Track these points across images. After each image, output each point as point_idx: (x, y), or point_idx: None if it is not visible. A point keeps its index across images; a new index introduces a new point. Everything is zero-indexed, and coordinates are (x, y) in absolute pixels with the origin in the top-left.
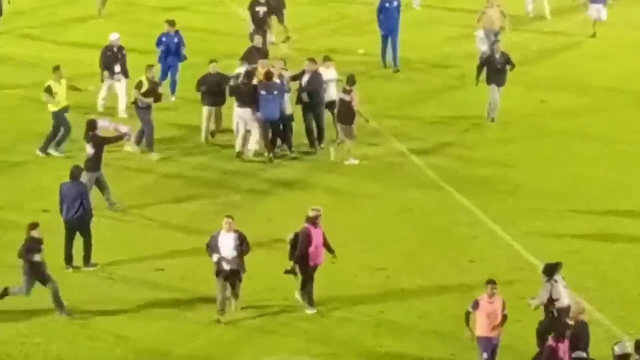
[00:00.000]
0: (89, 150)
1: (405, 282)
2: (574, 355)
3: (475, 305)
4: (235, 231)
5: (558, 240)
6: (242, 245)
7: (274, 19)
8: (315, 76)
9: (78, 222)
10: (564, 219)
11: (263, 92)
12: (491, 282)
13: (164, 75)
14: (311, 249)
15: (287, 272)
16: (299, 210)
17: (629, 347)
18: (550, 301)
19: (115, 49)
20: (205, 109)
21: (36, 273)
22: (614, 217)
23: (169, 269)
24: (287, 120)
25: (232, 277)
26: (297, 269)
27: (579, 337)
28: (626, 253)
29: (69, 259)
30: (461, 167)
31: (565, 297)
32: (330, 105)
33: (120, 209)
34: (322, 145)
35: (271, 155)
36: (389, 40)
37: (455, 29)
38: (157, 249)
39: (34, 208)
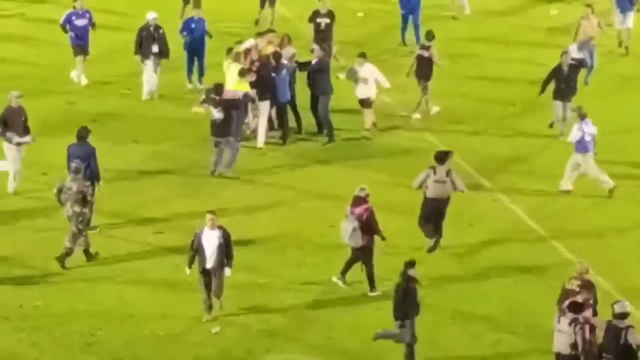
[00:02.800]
0: (217, 114)
1: (404, 246)
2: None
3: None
4: (219, 228)
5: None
6: (226, 243)
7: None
8: (323, 62)
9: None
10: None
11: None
12: None
13: (190, 64)
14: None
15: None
16: None
17: (628, 306)
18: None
19: (152, 29)
20: None
21: None
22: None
23: (168, 232)
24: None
25: (215, 274)
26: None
27: (587, 297)
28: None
29: None
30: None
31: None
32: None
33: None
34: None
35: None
36: (410, 20)
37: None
38: (158, 212)
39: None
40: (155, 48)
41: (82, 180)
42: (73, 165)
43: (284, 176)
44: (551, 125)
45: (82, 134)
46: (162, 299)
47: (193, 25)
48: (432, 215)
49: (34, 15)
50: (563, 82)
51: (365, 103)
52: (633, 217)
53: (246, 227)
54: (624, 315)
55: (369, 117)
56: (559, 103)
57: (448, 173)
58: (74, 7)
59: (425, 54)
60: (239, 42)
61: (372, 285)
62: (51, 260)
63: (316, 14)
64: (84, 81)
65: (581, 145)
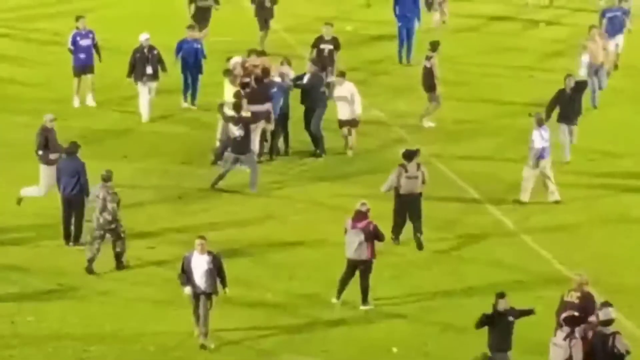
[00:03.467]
0: (238, 132)
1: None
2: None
3: None
4: (209, 253)
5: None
6: (217, 267)
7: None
8: (316, 77)
9: (75, 199)
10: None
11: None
12: None
13: (185, 84)
14: None
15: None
16: None
17: (612, 313)
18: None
19: (145, 50)
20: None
21: None
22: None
23: (160, 247)
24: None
25: (204, 300)
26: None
27: (587, 309)
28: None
29: (67, 236)
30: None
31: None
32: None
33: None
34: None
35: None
36: (405, 33)
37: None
38: (149, 227)
39: None
40: (149, 70)
41: (109, 187)
42: (104, 173)
43: (275, 191)
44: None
45: (72, 150)
46: (153, 314)
47: (186, 46)
48: (408, 212)
49: (24, 34)
50: (568, 105)
51: (350, 123)
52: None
53: (237, 240)
54: (609, 322)
55: (353, 137)
56: (564, 127)
57: (418, 167)
58: (77, 28)
59: (427, 64)
60: (229, 59)
61: (365, 298)
62: (43, 275)
63: (320, 39)
64: (90, 102)
65: (541, 152)
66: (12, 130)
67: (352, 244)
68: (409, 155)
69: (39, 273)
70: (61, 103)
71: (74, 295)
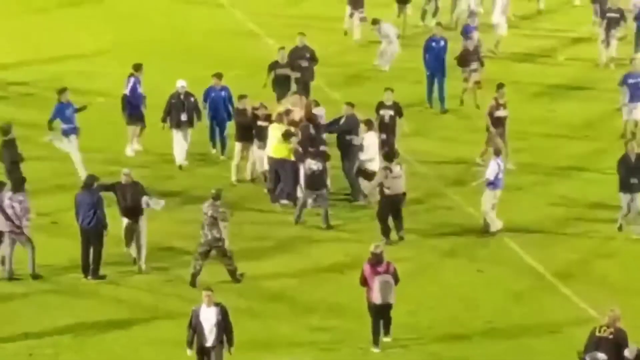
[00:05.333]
0: (316, 166)
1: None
2: None
3: None
4: (217, 304)
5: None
6: (224, 319)
7: None
8: (352, 119)
9: (92, 232)
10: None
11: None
12: None
13: (212, 133)
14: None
15: None
16: None
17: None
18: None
19: (181, 97)
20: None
21: None
22: None
23: (178, 280)
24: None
25: (214, 353)
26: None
27: (621, 345)
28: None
29: (85, 269)
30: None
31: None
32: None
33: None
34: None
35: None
36: (435, 80)
37: None
38: (167, 260)
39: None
40: (184, 117)
41: (218, 205)
42: (213, 191)
43: (296, 234)
44: (620, 228)
45: (89, 182)
46: (170, 351)
47: (213, 95)
48: (393, 212)
49: None
50: (631, 173)
51: (363, 174)
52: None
53: (252, 279)
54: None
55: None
56: (626, 196)
57: (400, 166)
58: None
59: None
60: (241, 98)
61: (388, 331)
62: (62, 308)
63: (381, 105)
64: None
65: (494, 183)
66: None
67: (388, 288)
68: (390, 155)
69: (58, 306)
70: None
71: (92, 327)
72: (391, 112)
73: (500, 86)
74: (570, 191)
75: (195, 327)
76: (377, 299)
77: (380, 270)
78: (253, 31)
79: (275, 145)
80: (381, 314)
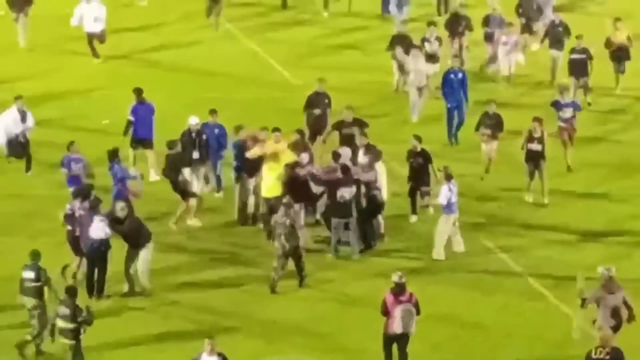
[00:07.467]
0: (347, 195)
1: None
2: None
3: None
4: (219, 354)
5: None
6: None
7: None
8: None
9: (97, 254)
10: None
11: None
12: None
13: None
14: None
15: None
16: None
17: None
18: None
19: (193, 134)
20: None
21: None
22: None
23: (183, 301)
24: None
25: None
26: None
27: None
28: None
29: (90, 289)
30: None
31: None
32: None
33: None
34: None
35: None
36: (456, 114)
37: None
38: (171, 279)
39: None
40: (195, 154)
41: (294, 214)
42: (285, 200)
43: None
44: None
45: (93, 204)
46: None
47: (207, 131)
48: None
49: None
50: None
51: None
52: None
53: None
54: None
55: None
56: None
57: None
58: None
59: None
60: (237, 128)
61: None
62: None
63: (412, 153)
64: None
65: (449, 207)
66: None
67: (410, 318)
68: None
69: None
70: None
71: (94, 351)
72: (420, 160)
73: (534, 119)
74: None
75: None
76: (397, 327)
77: (403, 300)
78: None
79: (270, 185)
80: (398, 346)
